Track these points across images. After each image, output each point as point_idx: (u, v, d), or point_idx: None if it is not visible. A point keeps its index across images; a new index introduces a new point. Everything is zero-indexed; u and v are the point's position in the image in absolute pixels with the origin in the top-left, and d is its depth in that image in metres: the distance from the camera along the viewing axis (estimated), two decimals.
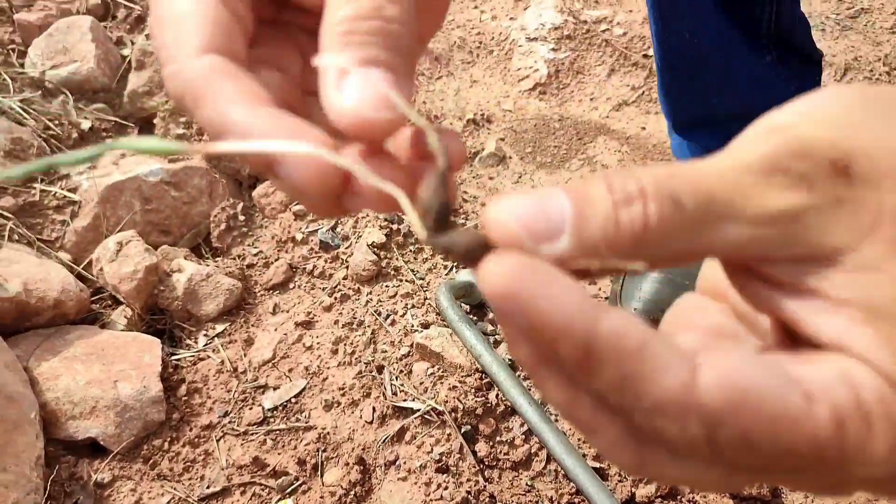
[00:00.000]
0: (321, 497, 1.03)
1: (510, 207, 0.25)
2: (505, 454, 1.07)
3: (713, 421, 0.23)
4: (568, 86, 1.79)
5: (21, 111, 1.45)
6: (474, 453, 1.06)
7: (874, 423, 0.24)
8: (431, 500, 1.02)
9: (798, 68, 1.15)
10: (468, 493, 1.01)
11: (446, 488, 1.02)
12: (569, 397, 0.27)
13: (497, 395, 1.11)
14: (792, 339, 0.29)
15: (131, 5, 1.78)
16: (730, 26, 1.08)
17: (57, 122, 1.50)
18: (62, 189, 1.36)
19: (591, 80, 1.79)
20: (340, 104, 0.28)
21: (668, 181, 0.25)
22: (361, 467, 1.06)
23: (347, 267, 1.31)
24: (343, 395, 1.15)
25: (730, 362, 0.24)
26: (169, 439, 1.12)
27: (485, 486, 1.03)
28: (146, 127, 1.62)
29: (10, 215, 1.31)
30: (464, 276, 1.23)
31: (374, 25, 0.30)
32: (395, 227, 1.36)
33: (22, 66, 1.61)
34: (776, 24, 1.08)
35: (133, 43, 1.70)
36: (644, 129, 1.64)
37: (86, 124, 1.54)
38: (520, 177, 1.58)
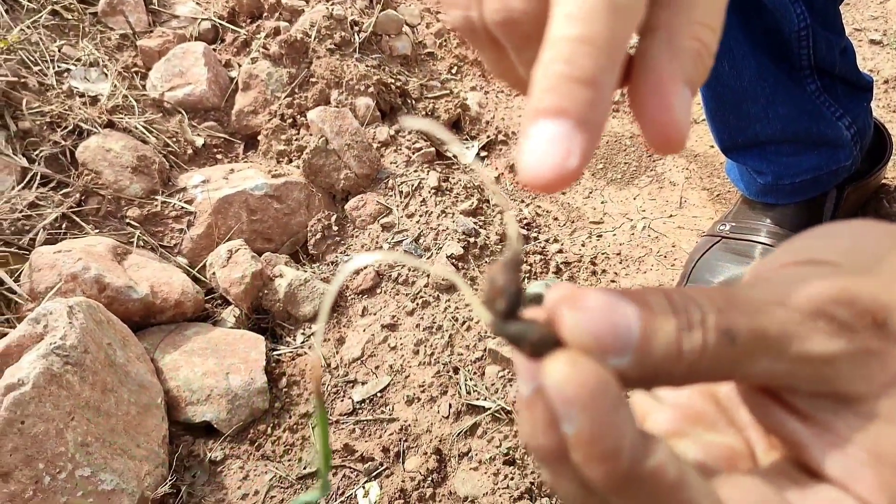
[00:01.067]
0: (402, 482, 1.17)
1: (587, 314, 0.25)
2: None
3: None
4: None
5: (144, 130, 1.64)
6: None
7: None
8: (499, 488, 1.15)
9: (844, 95, 1.17)
10: (532, 483, 1.14)
11: (512, 479, 1.15)
12: (581, 498, 0.27)
13: None
14: (784, 455, 0.32)
15: (237, 30, 1.97)
16: (769, 62, 1.10)
17: (174, 139, 1.69)
18: (180, 201, 1.55)
19: None
20: (519, 161, 0.27)
21: (728, 313, 0.26)
22: (438, 457, 1.20)
23: (428, 276, 1.45)
24: (423, 391, 1.29)
25: (751, 500, 0.26)
26: (272, 425, 1.28)
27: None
28: (251, 142, 1.80)
29: (137, 224, 1.50)
30: (534, 287, 1.35)
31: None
32: (472, 240, 1.49)
33: (144, 87, 1.81)
34: (815, 59, 1.11)
35: (240, 65, 1.88)
36: (712, 147, 1.72)
37: (199, 141, 1.73)
38: (590, 192, 1.68)
